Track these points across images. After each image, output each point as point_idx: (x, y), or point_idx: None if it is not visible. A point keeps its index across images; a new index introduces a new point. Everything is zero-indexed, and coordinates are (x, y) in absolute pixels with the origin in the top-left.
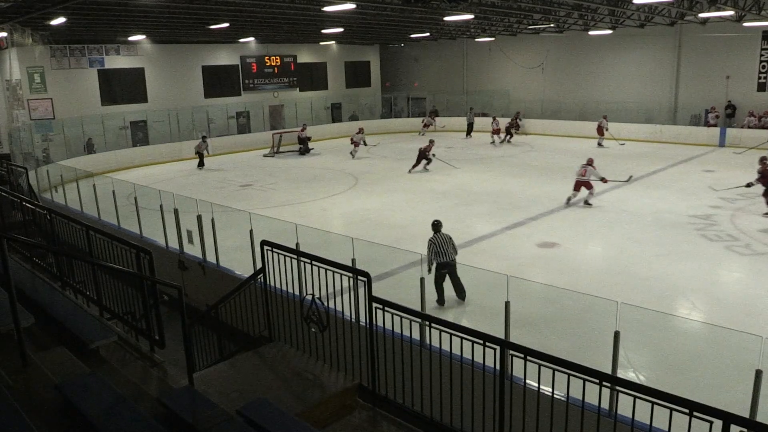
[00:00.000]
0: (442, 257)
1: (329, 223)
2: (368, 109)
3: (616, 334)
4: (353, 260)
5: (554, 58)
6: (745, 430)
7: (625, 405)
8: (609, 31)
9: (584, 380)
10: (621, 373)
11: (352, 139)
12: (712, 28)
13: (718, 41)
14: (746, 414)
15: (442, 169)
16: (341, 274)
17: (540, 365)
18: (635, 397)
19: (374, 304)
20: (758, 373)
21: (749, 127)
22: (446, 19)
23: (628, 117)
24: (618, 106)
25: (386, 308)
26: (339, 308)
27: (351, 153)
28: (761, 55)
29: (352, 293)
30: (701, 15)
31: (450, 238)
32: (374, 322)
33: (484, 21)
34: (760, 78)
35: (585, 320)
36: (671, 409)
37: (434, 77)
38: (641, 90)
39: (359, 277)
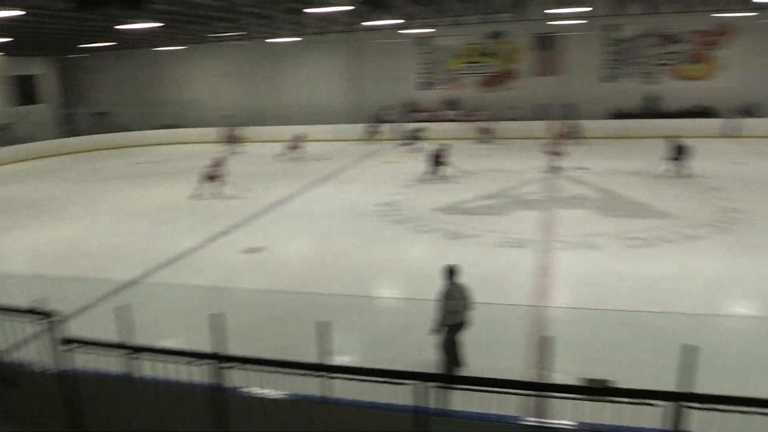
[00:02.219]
0: (455, 317)
1: (8, 260)
2: (40, 127)
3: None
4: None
5: (246, 65)
6: None
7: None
8: (294, 39)
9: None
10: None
11: None
12: (379, 35)
13: (385, 47)
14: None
15: (133, 187)
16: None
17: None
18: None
19: (68, 346)
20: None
21: (420, 122)
22: (122, 27)
23: (317, 119)
24: (308, 110)
25: (85, 346)
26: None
27: None
28: (419, 59)
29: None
30: (369, 23)
31: (465, 289)
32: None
33: (170, 29)
34: (421, 78)
35: (299, 317)
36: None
37: (121, 89)
38: (328, 93)
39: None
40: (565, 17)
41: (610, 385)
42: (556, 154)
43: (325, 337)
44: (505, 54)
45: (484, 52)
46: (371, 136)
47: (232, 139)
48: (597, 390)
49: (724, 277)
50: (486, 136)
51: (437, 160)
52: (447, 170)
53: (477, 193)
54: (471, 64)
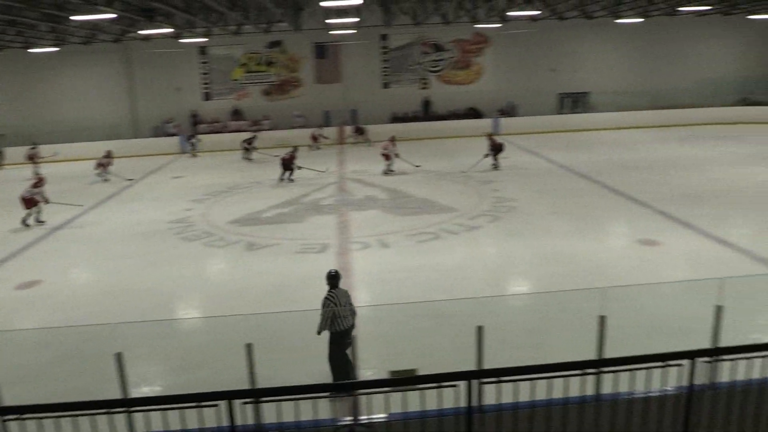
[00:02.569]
0: (341, 324)
1: None
2: None
3: (119, 355)
4: None
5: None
6: None
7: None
8: (54, 49)
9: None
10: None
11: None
12: (157, 44)
13: (164, 56)
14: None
15: None
16: None
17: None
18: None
19: None
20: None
21: (206, 133)
22: None
23: (89, 135)
24: (77, 125)
25: None
26: None
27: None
28: (201, 68)
29: None
30: (143, 32)
31: (348, 295)
32: None
33: None
34: (204, 89)
35: (93, 352)
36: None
37: None
38: (100, 107)
39: None
40: (340, 27)
41: (415, 373)
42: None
43: (124, 369)
44: (286, 63)
45: (265, 61)
46: (191, 149)
47: (33, 159)
48: (402, 380)
49: (501, 260)
50: (315, 144)
51: (287, 164)
52: (295, 174)
53: (271, 202)
54: (253, 74)
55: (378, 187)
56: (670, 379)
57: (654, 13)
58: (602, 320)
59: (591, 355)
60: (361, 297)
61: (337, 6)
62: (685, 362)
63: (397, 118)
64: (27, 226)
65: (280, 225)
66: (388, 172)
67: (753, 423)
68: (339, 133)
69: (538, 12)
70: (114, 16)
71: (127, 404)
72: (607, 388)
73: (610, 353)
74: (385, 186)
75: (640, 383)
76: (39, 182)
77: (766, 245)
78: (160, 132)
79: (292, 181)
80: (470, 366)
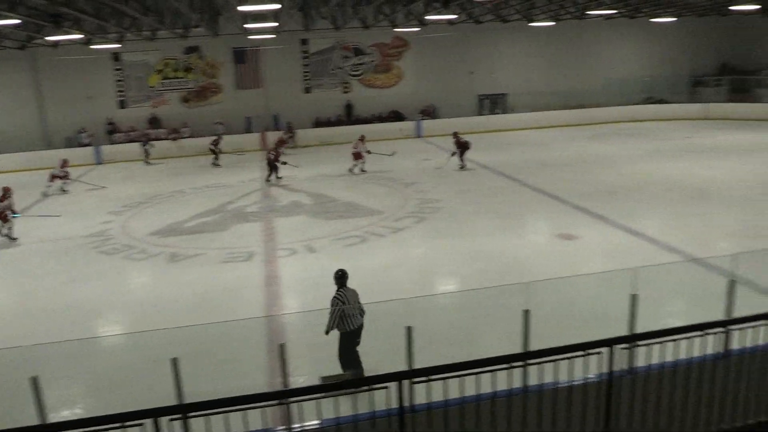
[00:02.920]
0: (350, 323)
1: None
2: None
3: (35, 379)
4: None
5: None
6: None
7: None
8: None
9: None
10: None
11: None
12: (66, 51)
13: (75, 63)
14: None
15: None
16: None
17: None
18: None
19: None
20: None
21: (122, 143)
22: None
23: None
24: None
25: None
26: None
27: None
28: (115, 75)
29: None
30: (51, 38)
31: (356, 294)
32: None
33: None
34: (119, 96)
35: (5, 377)
36: None
37: None
38: (5, 118)
39: None
40: (259, 32)
41: (346, 378)
42: (276, 162)
43: (41, 393)
44: (204, 69)
45: (182, 67)
46: (145, 156)
47: None
48: (334, 385)
49: (428, 260)
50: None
51: (272, 162)
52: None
53: (193, 211)
54: (171, 80)
55: (303, 193)
56: (591, 367)
57: (565, 16)
58: (526, 314)
59: (517, 348)
60: (290, 304)
61: (255, 11)
62: (605, 350)
63: (320, 123)
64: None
65: (204, 234)
66: (361, 171)
67: (668, 403)
68: (261, 140)
69: (455, 16)
70: (18, 22)
71: (44, 430)
72: (533, 380)
73: (535, 345)
74: (310, 191)
75: (564, 373)
76: (3, 196)
77: (673, 235)
78: (73, 142)
79: (279, 178)
80: (401, 367)
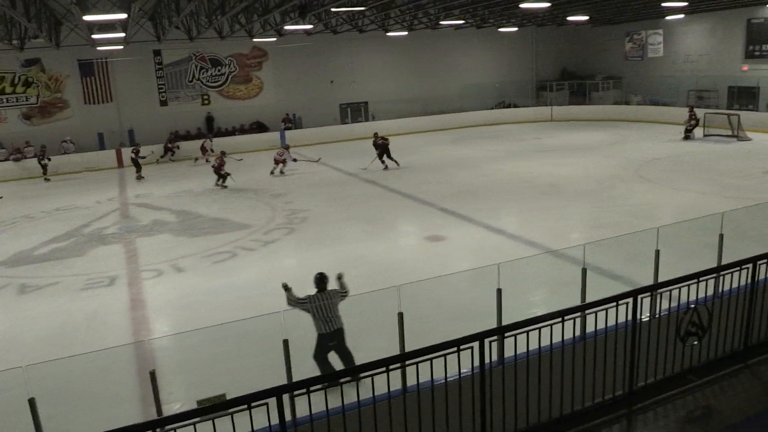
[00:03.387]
0: (327, 325)
1: None
2: None
3: None
4: None
5: None
6: None
7: None
8: None
9: None
10: None
11: None
12: None
13: None
14: None
15: None
16: None
17: None
18: None
19: None
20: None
21: None
22: None
23: None
24: None
25: None
26: None
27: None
28: None
29: None
30: None
31: (337, 295)
32: None
33: None
34: None
35: None
36: None
37: None
38: None
39: None
40: (107, 42)
41: (224, 399)
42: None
43: None
44: (47, 82)
45: (22, 81)
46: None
47: None
48: (211, 408)
49: (301, 270)
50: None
51: (218, 170)
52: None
53: (43, 237)
54: (9, 95)
55: (166, 210)
56: (465, 362)
57: (419, 26)
58: (401, 317)
59: (395, 351)
60: (159, 327)
61: (102, 20)
62: (476, 344)
63: (179, 137)
64: None
65: (59, 261)
66: (280, 173)
67: (537, 389)
68: (117, 156)
69: (312, 26)
70: None
71: None
72: (411, 380)
73: (412, 346)
74: (173, 208)
75: (440, 370)
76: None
77: (531, 230)
78: None
79: (225, 187)
80: (281, 381)
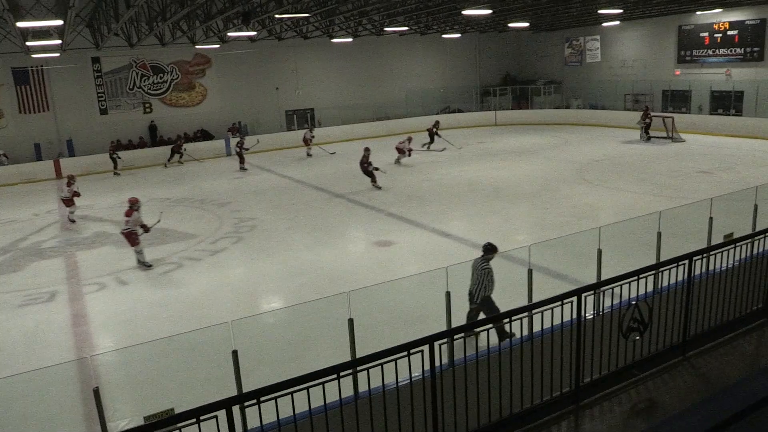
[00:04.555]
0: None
1: None
2: None
3: None
4: None
5: None
6: None
7: None
8: None
9: None
10: None
11: None
12: None
13: None
14: None
15: None
16: None
17: None
18: None
19: None
20: None
21: None
22: None
23: None
24: None
25: None
26: None
27: None
28: None
29: None
30: None
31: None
32: None
33: None
34: None
35: None
36: None
37: None
38: None
39: None
40: (42, 49)
41: (172, 413)
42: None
43: None
44: None
45: None
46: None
47: None
48: (159, 423)
49: (249, 279)
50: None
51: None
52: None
53: None
54: None
55: (108, 222)
56: (416, 365)
57: (363, 33)
58: (351, 323)
59: (346, 357)
60: (102, 343)
61: (36, 27)
62: (426, 347)
63: (121, 146)
64: None
65: None
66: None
67: (487, 390)
68: (55, 167)
69: (256, 33)
70: None
71: None
72: (363, 386)
73: (364, 352)
74: (115, 220)
75: (391, 375)
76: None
77: (477, 233)
78: None
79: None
80: (230, 394)
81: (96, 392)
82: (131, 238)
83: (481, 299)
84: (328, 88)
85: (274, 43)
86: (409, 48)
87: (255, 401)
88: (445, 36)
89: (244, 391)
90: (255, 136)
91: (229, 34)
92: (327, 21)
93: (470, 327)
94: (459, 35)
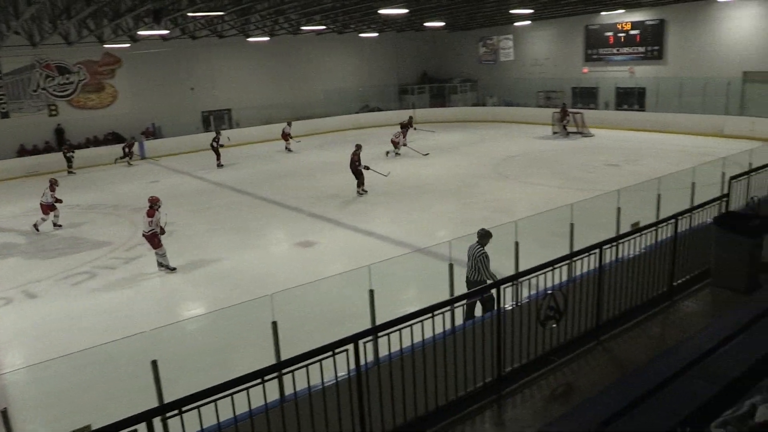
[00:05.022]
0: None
1: None
2: None
3: None
4: None
5: None
6: None
7: None
8: None
9: None
10: None
11: None
12: None
13: None
14: None
15: None
16: None
17: None
18: None
19: None
20: None
21: None
22: None
23: None
24: None
25: None
26: None
27: None
28: None
29: None
30: None
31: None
32: None
33: None
34: None
35: None
36: None
37: None
38: None
39: None
40: None
41: (89, 430)
42: None
43: None
44: None
45: None
46: None
47: None
48: None
49: (168, 286)
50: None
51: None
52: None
53: None
54: None
55: (13, 232)
56: (342, 365)
57: (280, 32)
58: (275, 326)
59: (272, 360)
60: (10, 361)
61: None
62: (351, 346)
63: (25, 151)
64: None
65: None
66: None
67: (413, 385)
68: None
69: (168, 31)
70: None
71: None
72: (289, 389)
73: (288, 354)
74: (21, 229)
75: (317, 376)
76: None
77: (399, 230)
78: None
79: None
80: (152, 405)
81: (4, 414)
82: (154, 240)
83: (476, 281)
84: (245, 88)
85: (188, 42)
86: (327, 47)
87: (177, 412)
88: (362, 35)
89: (166, 401)
90: (227, 132)
91: (140, 32)
92: (243, 20)
93: (470, 314)
94: (376, 34)
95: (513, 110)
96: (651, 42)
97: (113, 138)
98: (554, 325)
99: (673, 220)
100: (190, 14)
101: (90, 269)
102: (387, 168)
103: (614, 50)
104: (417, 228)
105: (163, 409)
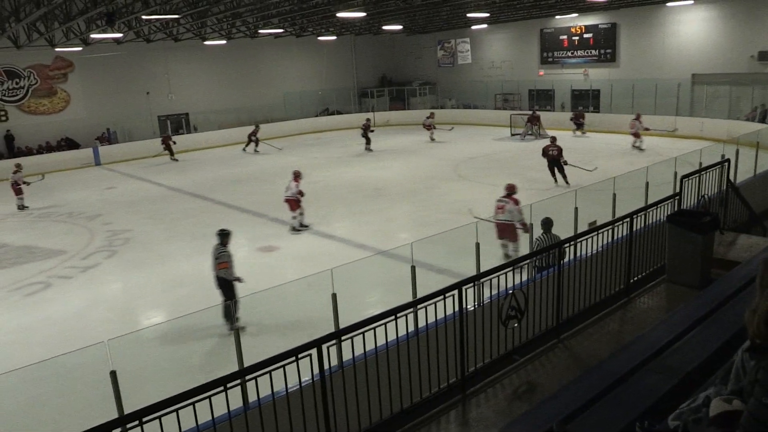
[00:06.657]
0: None
1: None
2: None
3: None
4: None
5: None
6: None
7: None
8: None
9: None
10: None
11: None
12: None
13: None
14: None
15: None
16: None
17: None
18: None
19: None
20: None
21: None
22: None
23: None
24: None
25: None
26: None
27: None
28: None
29: None
30: None
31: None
32: None
33: None
34: None
35: None
36: None
37: None
38: None
39: None
40: None
41: None
42: None
43: None
44: None
45: None
46: None
47: None
48: None
49: (127, 295)
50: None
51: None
52: None
53: None
54: None
55: None
56: (305, 370)
57: (237, 35)
58: (237, 332)
59: (234, 367)
60: None
61: None
62: (314, 351)
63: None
64: None
65: None
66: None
67: (377, 388)
68: None
69: (122, 35)
70: None
71: None
72: (252, 396)
73: (252, 361)
74: None
75: (280, 382)
76: None
77: (360, 233)
78: None
79: None
80: (111, 417)
81: None
82: (294, 203)
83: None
84: (202, 92)
85: (143, 46)
86: (285, 50)
87: (137, 423)
88: (320, 38)
89: (126, 412)
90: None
91: (93, 35)
92: (199, 23)
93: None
94: (335, 37)
95: (471, 112)
96: (604, 45)
97: (66, 144)
98: (516, 325)
99: (628, 219)
100: (144, 17)
101: (44, 279)
102: (353, 166)
103: (569, 53)
104: (377, 231)
105: (122, 421)
